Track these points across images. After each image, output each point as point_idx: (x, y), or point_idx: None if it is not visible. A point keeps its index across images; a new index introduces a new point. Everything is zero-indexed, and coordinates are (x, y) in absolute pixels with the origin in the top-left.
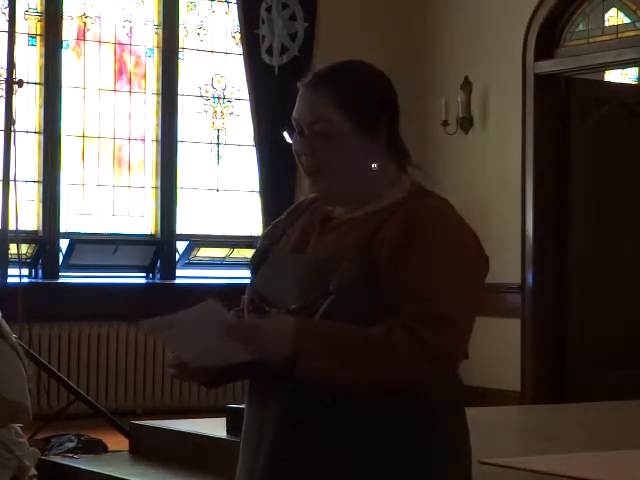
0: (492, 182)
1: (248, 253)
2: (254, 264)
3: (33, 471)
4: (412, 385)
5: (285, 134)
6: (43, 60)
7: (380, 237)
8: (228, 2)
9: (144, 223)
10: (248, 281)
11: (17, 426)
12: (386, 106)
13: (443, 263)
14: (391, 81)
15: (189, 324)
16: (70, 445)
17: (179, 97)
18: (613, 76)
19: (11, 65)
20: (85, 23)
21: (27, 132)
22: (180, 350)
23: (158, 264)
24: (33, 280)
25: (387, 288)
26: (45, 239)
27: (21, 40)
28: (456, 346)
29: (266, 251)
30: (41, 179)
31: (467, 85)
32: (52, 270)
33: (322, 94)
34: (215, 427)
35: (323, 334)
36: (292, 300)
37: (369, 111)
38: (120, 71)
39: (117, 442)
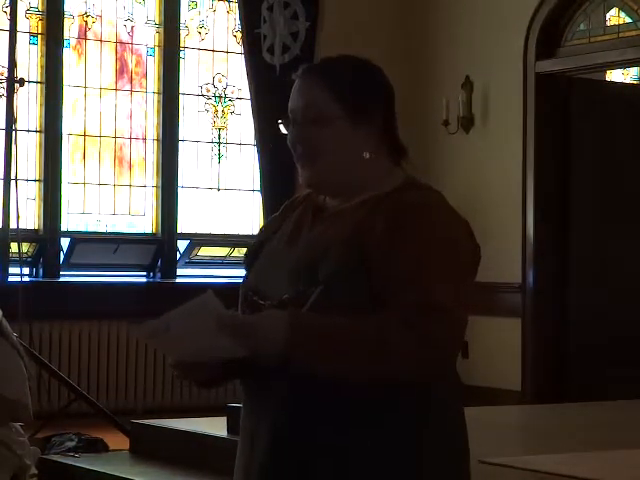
0: (493, 181)
1: None
2: (247, 261)
3: (33, 470)
4: (410, 377)
5: (281, 125)
6: (44, 59)
7: (369, 225)
8: (229, 1)
9: (145, 222)
10: (242, 278)
11: (18, 425)
12: (378, 93)
13: (435, 252)
14: (383, 71)
15: (185, 320)
16: (70, 444)
17: (180, 96)
18: (614, 76)
19: (12, 64)
20: (86, 22)
21: (28, 131)
22: (176, 350)
23: (159, 263)
24: (34, 279)
25: (377, 277)
26: (46, 238)
27: (22, 39)
28: (452, 336)
29: (259, 248)
30: (42, 178)
31: (468, 84)
32: (53, 269)
33: (313, 82)
34: (216, 426)
35: (317, 328)
36: (284, 291)
37: (360, 97)
38: (121, 70)
39: (117, 441)
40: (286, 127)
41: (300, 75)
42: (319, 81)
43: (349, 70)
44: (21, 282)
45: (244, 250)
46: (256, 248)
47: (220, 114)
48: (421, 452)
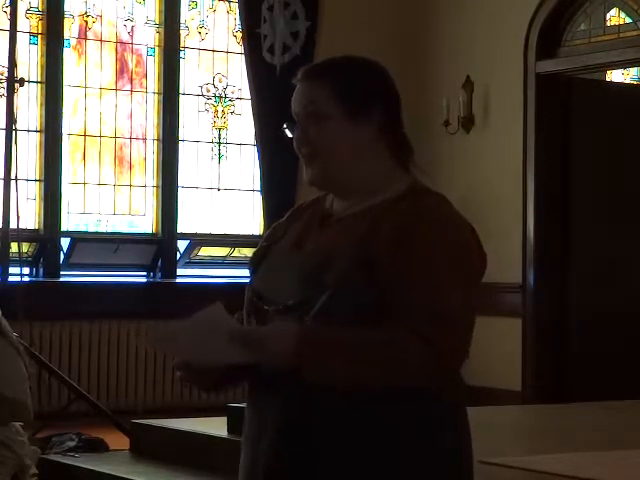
0: (493, 182)
1: (249, 252)
2: (253, 264)
3: (34, 470)
4: (417, 385)
5: (286, 130)
6: (44, 59)
7: (377, 232)
8: (229, 1)
9: (145, 222)
10: (248, 281)
11: (18, 425)
12: (378, 92)
13: (443, 260)
14: (386, 69)
15: (193, 332)
16: (71, 444)
17: (180, 96)
18: (614, 76)
19: (12, 64)
20: (86, 22)
21: (28, 131)
22: (183, 355)
23: (159, 263)
24: (34, 279)
25: (385, 284)
26: (46, 238)
27: (22, 39)
28: (460, 344)
29: (266, 251)
30: (42, 178)
31: (469, 84)
32: (53, 269)
33: (314, 82)
34: (216, 426)
35: (327, 340)
36: (290, 296)
37: (359, 95)
38: (121, 70)
39: (118, 441)
40: (291, 131)
41: (300, 78)
42: (318, 80)
43: (348, 68)
44: (21, 282)
45: (244, 250)
46: (262, 252)
47: (220, 114)
48: (423, 455)
